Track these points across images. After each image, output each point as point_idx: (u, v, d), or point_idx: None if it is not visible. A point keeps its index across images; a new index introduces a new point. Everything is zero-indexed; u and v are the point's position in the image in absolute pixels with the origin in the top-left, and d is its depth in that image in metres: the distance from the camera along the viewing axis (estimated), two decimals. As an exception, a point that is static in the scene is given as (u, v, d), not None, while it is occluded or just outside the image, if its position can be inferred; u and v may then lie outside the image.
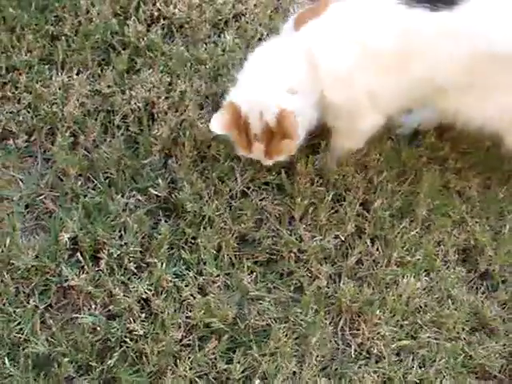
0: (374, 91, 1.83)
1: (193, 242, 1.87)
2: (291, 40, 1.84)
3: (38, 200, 1.96)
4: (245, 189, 1.98)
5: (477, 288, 1.91)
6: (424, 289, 1.85)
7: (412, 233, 1.92)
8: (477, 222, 1.98)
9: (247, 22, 2.33)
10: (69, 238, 1.82)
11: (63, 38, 2.24)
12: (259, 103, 1.76)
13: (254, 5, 2.39)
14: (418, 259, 1.88)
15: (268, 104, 1.75)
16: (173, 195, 1.93)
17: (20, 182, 1.99)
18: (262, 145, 1.79)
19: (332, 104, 1.84)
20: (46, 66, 2.19)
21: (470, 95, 1.81)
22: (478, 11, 1.73)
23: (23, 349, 1.68)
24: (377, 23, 1.79)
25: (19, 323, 1.71)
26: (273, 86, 1.79)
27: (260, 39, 2.30)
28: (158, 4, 2.35)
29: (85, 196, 1.93)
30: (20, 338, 1.69)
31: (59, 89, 2.12)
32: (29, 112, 2.10)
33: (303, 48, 1.81)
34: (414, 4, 1.74)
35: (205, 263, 1.83)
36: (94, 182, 1.97)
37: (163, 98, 2.11)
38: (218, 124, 1.79)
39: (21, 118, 2.08)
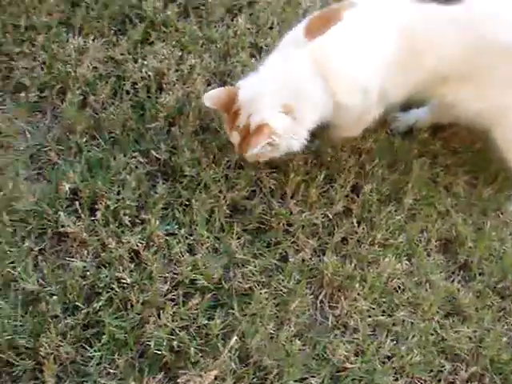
0: (387, 88, 1.93)
1: (187, 204, 1.95)
2: (304, 51, 1.88)
3: (43, 152, 2.04)
4: (240, 162, 2.06)
5: (454, 277, 1.99)
6: (404, 271, 1.93)
7: (397, 217, 2.00)
8: (460, 216, 2.06)
9: (260, 10, 2.44)
10: (69, 188, 1.90)
11: (83, 4, 2.35)
12: (254, 107, 1.86)
13: (268, -5, 2.50)
14: (401, 242, 1.97)
15: (259, 112, 1.85)
16: (172, 159, 2.01)
17: (27, 134, 2.07)
18: (238, 137, 1.90)
19: (346, 108, 1.93)
20: (64, 29, 2.28)
21: (470, 84, 1.91)
22: (486, 3, 1.85)
23: (14, 285, 1.74)
24: (391, 24, 1.88)
25: (12, 262, 1.77)
26: (272, 99, 1.86)
27: (271, 27, 2.41)
28: (180, -12, 2.46)
29: (88, 151, 2.01)
30: (13, 275, 1.75)
31: (74, 51, 2.22)
32: (43, 69, 2.19)
33: (317, 58, 1.87)
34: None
35: (196, 225, 1.90)
36: (98, 140, 2.05)
37: (173, 69, 2.20)
38: (212, 98, 1.90)
39: (34, 74, 2.17)
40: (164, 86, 2.18)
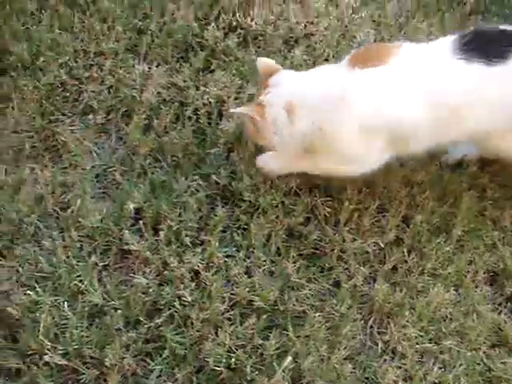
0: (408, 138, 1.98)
1: (245, 227, 2.04)
2: (338, 73, 1.98)
3: (108, 172, 2.15)
4: (297, 189, 2.15)
5: (501, 308, 2.03)
6: (451, 301, 1.97)
7: (446, 249, 2.06)
8: (507, 249, 2.11)
9: (316, 43, 2.55)
10: (133, 208, 2.00)
11: (149, 32, 2.47)
12: (272, 91, 2.01)
13: (325, 28, 2.61)
14: (449, 273, 2.02)
15: (268, 95, 2.00)
16: (232, 184, 2.11)
17: (94, 154, 2.19)
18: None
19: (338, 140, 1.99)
20: (130, 56, 2.42)
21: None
22: None
23: (81, 298, 1.84)
24: (438, 78, 1.92)
25: (79, 275, 1.87)
26: (287, 94, 1.99)
27: (326, 59, 2.51)
28: (237, 15, 2.58)
29: (152, 173, 2.12)
30: (79, 287, 1.85)
31: (139, 77, 2.35)
32: (110, 93, 2.31)
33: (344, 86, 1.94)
34: (472, 59, 1.88)
35: (254, 248, 1.99)
36: (161, 162, 2.16)
37: (233, 97, 2.31)
38: (262, 64, 2.07)
39: (102, 97, 2.30)
40: (224, 112, 2.29)
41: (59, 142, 2.19)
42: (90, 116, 2.25)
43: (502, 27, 1.99)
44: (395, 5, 2.77)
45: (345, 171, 2.07)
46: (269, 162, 2.11)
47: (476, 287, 2.04)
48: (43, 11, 2.50)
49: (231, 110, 2.13)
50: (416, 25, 2.69)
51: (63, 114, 2.28)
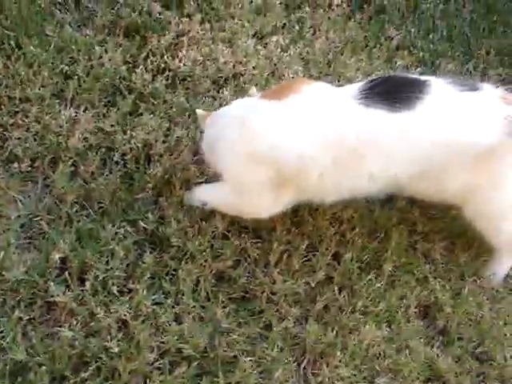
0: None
1: (174, 273, 2.01)
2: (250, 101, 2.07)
3: (34, 221, 2.09)
4: (225, 232, 2.14)
5: (434, 342, 2.05)
6: (384, 338, 1.99)
7: (377, 285, 2.07)
8: (439, 282, 2.13)
9: (245, 82, 2.54)
10: (59, 258, 1.95)
11: (75, 77, 2.43)
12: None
13: (253, 67, 2.60)
14: (381, 310, 2.03)
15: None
16: (160, 229, 2.08)
17: (19, 203, 2.13)
18: None
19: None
20: (57, 101, 2.36)
21: (427, 181, 1.99)
22: (435, 110, 1.90)
23: (2, 355, 1.78)
24: (334, 120, 1.92)
25: (1, 331, 1.81)
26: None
27: (256, 99, 2.51)
28: (165, 57, 2.56)
29: (78, 221, 2.07)
30: (1, 345, 1.79)
31: (66, 122, 2.29)
32: (35, 140, 2.25)
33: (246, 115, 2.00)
34: (373, 105, 1.88)
35: (183, 294, 1.96)
36: (88, 210, 2.11)
37: (161, 141, 2.29)
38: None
39: (27, 145, 2.23)
40: (152, 157, 2.26)
41: (-20, 191, 2.15)
42: (15, 164, 2.18)
43: (414, 76, 2.04)
44: (324, 42, 2.80)
45: (244, 207, 2.08)
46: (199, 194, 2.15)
47: (408, 322, 2.06)
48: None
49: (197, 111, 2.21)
50: (344, 61, 2.72)
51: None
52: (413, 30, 2.96)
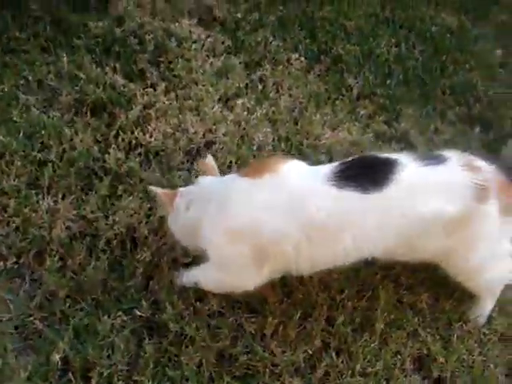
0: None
1: (176, 359, 2.03)
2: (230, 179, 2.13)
3: (28, 321, 2.07)
4: (220, 309, 2.17)
5: (431, 394, 2.14)
6: (384, 396, 2.07)
7: (372, 345, 2.13)
8: (428, 333, 2.21)
9: (217, 151, 2.59)
10: (60, 358, 1.95)
11: (49, 164, 2.44)
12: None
13: (223, 134, 2.65)
14: (379, 370, 2.09)
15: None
16: (156, 316, 2.10)
17: (9, 303, 2.12)
18: None
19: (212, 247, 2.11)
20: (34, 191, 2.36)
21: (401, 249, 2.08)
22: (404, 187, 1.98)
23: None
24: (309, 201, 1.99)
25: None
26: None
27: (229, 166, 2.56)
28: (135, 133, 2.59)
29: (73, 317, 2.07)
30: None
31: (46, 213, 2.29)
32: (17, 235, 2.25)
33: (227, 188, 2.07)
34: (345, 186, 1.97)
35: (187, 379, 1.99)
36: (81, 303, 2.11)
37: (144, 223, 2.31)
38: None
39: (10, 241, 2.23)
40: (137, 240, 2.28)
41: (-31, 297, 2.13)
42: (0, 263, 2.19)
43: (384, 155, 2.10)
44: (287, 99, 2.88)
45: (230, 282, 2.13)
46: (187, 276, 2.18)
47: (405, 377, 2.12)
48: None
49: (150, 188, 2.22)
50: (310, 117, 2.80)
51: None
52: (370, 77, 3.08)
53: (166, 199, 2.17)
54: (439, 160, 2.06)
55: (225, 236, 2.03)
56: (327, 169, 2.03)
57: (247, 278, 2.10)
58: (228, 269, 2.10)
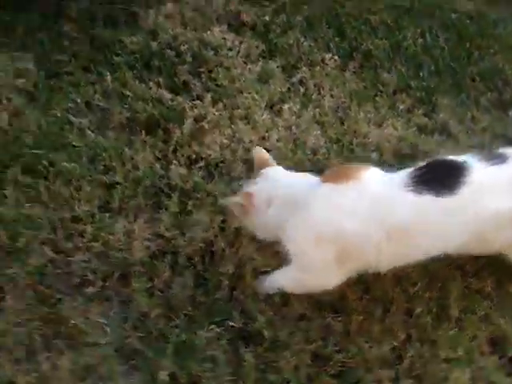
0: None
1: (274, 364, 2.14)
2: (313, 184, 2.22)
3: (126, 342, 2.16)
4: (306, 311, 2.27)
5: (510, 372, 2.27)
6: (469, 379, 2.19)
7: (451, 332, 2.27)
8: (499, 315, 2.33)
9: (274, 157, 2.61)
10: (168, 375, 2.06)
11: (117, 186, 2.51)
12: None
13: (276, 140, 2.75)
14: (460, 355, 2.23)
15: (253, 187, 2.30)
16: (248, 325, 2.20)
17: (105, 327, 2.19)
18: None
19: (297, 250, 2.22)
20: (107, 214, 2.44)
21: (472, 244, 2.22)
22: (477, 189, 2.12)
23: None
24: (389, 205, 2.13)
25: None
26: (271, 190, 2.26)
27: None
28: (193, 146, 2.67)
29: (170, 334, 2.16)
30: None
31: (123, 235, 2.37)
32: (100, 259, 2.33)
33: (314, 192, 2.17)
34: (421, 191, 2.11)
35: (288, 382, 2.10)
36: (175, 320, 2.20)
37: (220, 236, 2.40)
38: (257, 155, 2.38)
39: (93, 266, 2.31)
40: (216, 253, 2.37)
41: (67, 324, 2.17)
42: (90, 289, 2.25)
43: (452, 158, 2.22)
44: (330, 100, 2.97)
45: (312, 282, 2.24)
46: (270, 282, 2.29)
47: (485, 360, 2.25)
48: (4, 188, 2.48)
49: (221, 201, 2.33)
50: (355, 116, 2.91)
51: (60, 292, 2.26)
52: (403, 69, 3.19)
53: (246, 202, 2.24)
54: (502, 159, 2.21)
55: (310, 240, 2.15)
56: (403, 175, 2.16)
57: (329, 278, 2.22)
58: (310, 270, 2.22)
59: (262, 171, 2.33)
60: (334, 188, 2.16)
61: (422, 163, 2.20)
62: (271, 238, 2.31)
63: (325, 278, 2.23)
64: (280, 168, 2.37)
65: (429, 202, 2.11)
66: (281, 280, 2.29)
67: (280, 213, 2.22)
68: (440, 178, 2.14)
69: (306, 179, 2.30)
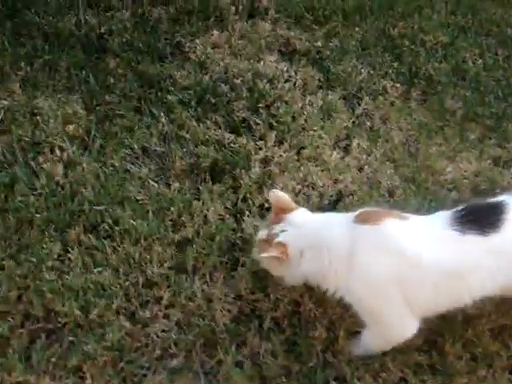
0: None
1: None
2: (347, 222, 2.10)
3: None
4: (401, 373, 2.14)
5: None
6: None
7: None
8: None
9: (351, 203, 2.50)
10: None
11: (190, 243, 2.35)
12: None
13: (350, 182, 2.59)
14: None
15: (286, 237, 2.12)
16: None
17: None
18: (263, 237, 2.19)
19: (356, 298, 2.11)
20: (183, 276, 2.28)
21: None
22: None
23: None
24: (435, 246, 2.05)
25: None
26: (301, 239, 2.11)
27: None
28: (264, 193, 2.50)
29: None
30: None
31: (202, 299, 2.22)
32: (179, 328, 2.18)
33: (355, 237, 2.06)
34: (466, 231, 2.04)
35: None
36: (273, 390, 2.08)
37: (306, 297, 2.24)
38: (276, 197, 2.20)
39: (173, 335, 2.15)
40: (301, 314, 2.22)
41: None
42: (174, 361, 2.11)
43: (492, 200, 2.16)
44: (398, 133, 2.83)
45: (390, 334, 2.13)
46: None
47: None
48: (69, 252, 2.30)
49: (261, 255, 2.10)
50: (426, 150, 2.76)
51: (141, 367, 2.09)
52: (467, 94, 3.04)
53: (281, 254, 2.07)
54: None
55: (367, 289, 2.05)
56: (447, 216, 2.09)
57: (402, 325, 2.11)
58: (381, 320, 2.10)
59: (287, 216, 2.16)
60: (373, 228, 2.05)
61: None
62: (300, 283, 2.19)
63: (398, 325, 2.11)
64: (303, 210, 2.21)
65: (474, 241, 2.03)
66: (365, 342, 2.17)
67: (315, 261, 2.08)
68: (482, 218, 2.08)
69: (336, 220, 2.17)
